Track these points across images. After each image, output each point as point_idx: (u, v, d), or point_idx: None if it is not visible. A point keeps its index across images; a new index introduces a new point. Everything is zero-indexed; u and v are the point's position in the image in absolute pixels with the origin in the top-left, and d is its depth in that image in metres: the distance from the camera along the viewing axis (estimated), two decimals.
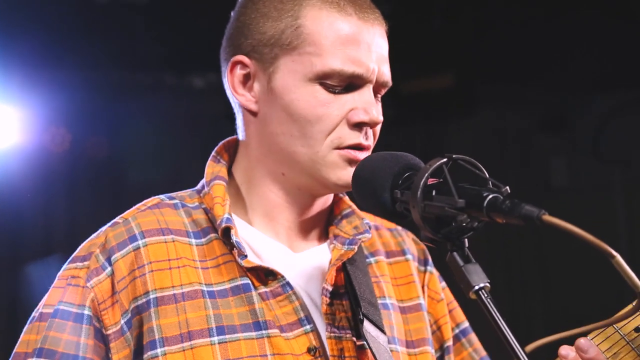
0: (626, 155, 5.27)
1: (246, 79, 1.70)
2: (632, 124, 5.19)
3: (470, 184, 1.43)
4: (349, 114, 1.66)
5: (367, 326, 1.67)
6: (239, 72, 1.70)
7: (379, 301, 1.75)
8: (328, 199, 1.76)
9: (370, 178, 1.56)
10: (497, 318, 1.38)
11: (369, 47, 1.67)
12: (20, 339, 1.65)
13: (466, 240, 1.44)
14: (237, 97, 1.71)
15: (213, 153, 1.78)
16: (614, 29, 4.68)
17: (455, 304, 1.93)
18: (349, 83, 1.66)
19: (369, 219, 1.81)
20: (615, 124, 5.25)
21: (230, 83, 1.71)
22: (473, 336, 1.93)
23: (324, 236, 1.77)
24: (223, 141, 1.79)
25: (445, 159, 1.44)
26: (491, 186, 1.42)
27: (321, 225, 1.77)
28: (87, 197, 4.86)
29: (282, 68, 1.67)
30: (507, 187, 1.39)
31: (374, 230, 1.83)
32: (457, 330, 1.91)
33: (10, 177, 4.52)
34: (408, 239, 1.89)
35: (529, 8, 4.60)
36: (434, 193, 1.44)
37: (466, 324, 1.93)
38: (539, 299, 5.26)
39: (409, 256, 1.86)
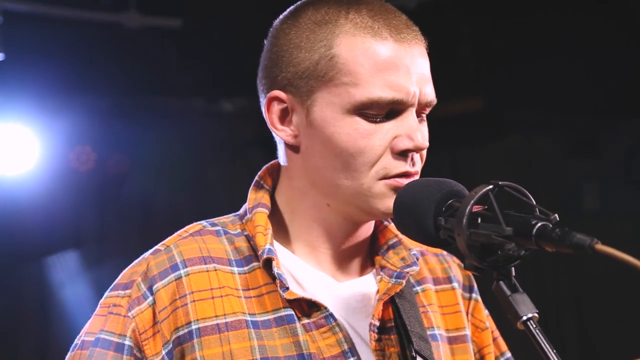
0: None
1: (285, 114, 1.64)
2: None
3: (515, 211, 1.40)
4: (392, 142, 1.59)
5: None
6: (277, 107, 1.64)
7: (428, 332, 1.70)
8: (371, 226, 1.71)
9: (412, 205, 1.52)
10: (546, 350, 1.34)
11: (408, 70, 1.59)
12: None
13: (513, 269, 1.40)
14: (278, 132, 1.65)
15: (256, 178, 1.72)
16: None
17: (497, 332, 1.87)
18: (390, 110, 1.59)
19: (414, 245, 1.75)
20: None
21: (269, 120, 1.65)
22: None
23: (369, 266, 1.72)
24: (266, 165, 1.73)
25: (491, 186, 1.41)
26: (539, 213, 1.38)
27: (364, 254, 1.72)
28: (113, 215, 4.87)
29: (319, 101, 1.60)
30: (556, 215, 1.35)
31: (419, 257, 1.76)
32: (501, 359, 1.86)
33: (38, 197, 4.54)
34: (454, 265, 1.84)
35: (559, 33, 4.57)
36: (479, 221, 1.40)
37: (509, 354, 1.87)
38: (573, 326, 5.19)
39: (455, 284, 1.81)
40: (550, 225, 1.32)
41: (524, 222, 1.34)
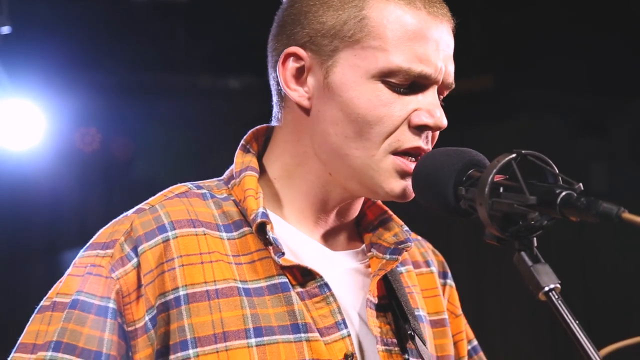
0: None
1: (299, 73, 1.56)
2: None
3: (538, 180, 1.38)
4: (411, 115, 1.53)
5: (418, 342, 1.59)
6: (292, 64, 1.56)
7: (415, 313, 1.66)
8: (359, 201, 1.65)
9: (433, 174, 1.49)
10: (569, 320, 1.31)
11: (437, 45, 1.53)
12: (26, 329, 1.50)
13: (535, 239, 1.38)
14: (289, 92, 1.56)
15: (242, 142, 1.64)
16: None
17: (465, 319, 1.83)
18: (414, 82, 1.53)
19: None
20: None
21: (283, 76, 1.57)
22: (482, 355, 1.84)
23: (357, 241, 1.66)
24: (252, 130, 1.66)
25: (514, 155, 1.38)
26: (562, 182, 1.36)
27: (352, 229, 1.66)
28: (119, 195, 4.86)
29: (341, 62, 1.53)
30: (580, 184, 1.33)
31: (411, 233, 1.71)
32: (469, 347, 1.82)
33: (42, 175, 4.53)
34: (430, 251, 1.79)
35: (569, 13, 4.54)
36: (501, 190, 1.38)
37: (475, 341, 1.84)
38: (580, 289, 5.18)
39: (432, 268, 1.76)
40: (575, 194, 1.30)
41: (548, 191, 1.32)
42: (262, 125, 1.66)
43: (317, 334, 1.51)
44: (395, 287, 1.62)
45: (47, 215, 4.72)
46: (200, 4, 4.41)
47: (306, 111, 1.57)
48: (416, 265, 1.75)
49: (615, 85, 5.01)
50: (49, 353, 1.46)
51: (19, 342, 1.49)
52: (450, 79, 1.58)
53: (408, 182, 1.56)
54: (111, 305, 1.47)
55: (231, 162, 1.63)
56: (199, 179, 5.46)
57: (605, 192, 5.13)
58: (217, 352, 1.46)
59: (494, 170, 1.37)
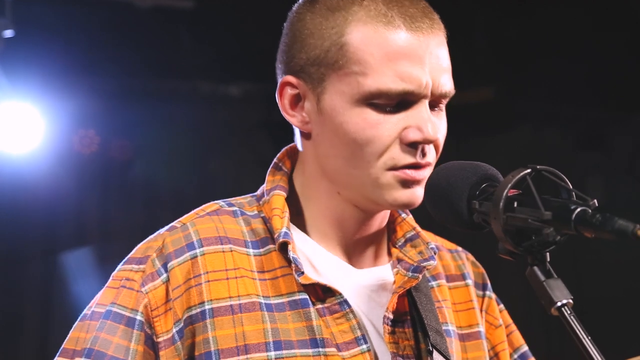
0: None
1: (297, 100, 1.62)
2: None
3: (552, 196, 1.38)
4: (402, 133, 1.56)
5: (437, 358, 1.61)
6: (289, 92, 1.62)
7: (443, 327, 1.68)
8: (384, 217, 1.69)
9: (446, 187, 1.50)
10: (581, 336, 1.32)
11: (422, 60, 1.54)
12: (69, 335, 1.61)
13: (548, 254, 1.38)
14: (289, 118, 1.64)
15: (275, 160, 1.70)
16: None
17: (513, 327, 1.85)
18: (401, 100, 1.55)
19: (431, 239, 1.74)
20: None
21: (281, 105, 1.64)
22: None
23: (385, 257, 1.71)
24: (286, 147, 1.72)
25: (529, 170, 1.39)
26: (576, 198, 1.37)
27: (381, 245, 1.70)
28: (117, 199, 4.86)
29: (329, 89, 1.58)
30: (595, 200, 1.34)
31: (437, 251, 1.74)
32: (515, 356, 1.84)
33: (41, 177, 4.53)
34: (468, 262, 1.82)
35: (571, 26, 4.56)
36: (515, 204, 1.39)
37: (525, 347, 1.85)
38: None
39: (469, 281, 1.79)
40: (590, 211, 1.30)
41: (562, 207, 1.33)
42: (294, 144, 1.71)
43: (334, 349, 1.57)
44: (419, 303, 1.65)
45: (44, 218, 4.71)
46: (204, 11, 4.41)
47: (307, 135, 1.64)
48: (450, 278, 1.78)
49: (616, 98, 5.03)
50: (81, 359, 1.57)
51: (62, 346, 1.61)
52: (444, 89, 1.58)
53: (413, 189, 1.59)
54: (139, 317, 1.57)
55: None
56: (198, 184, 5.45)
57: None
58: None
59: (509, 185, 1.38)
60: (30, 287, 4.72)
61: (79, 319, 1.62)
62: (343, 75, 1.56)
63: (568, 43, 4.62)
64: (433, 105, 1.59)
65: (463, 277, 1.79)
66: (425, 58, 1.56)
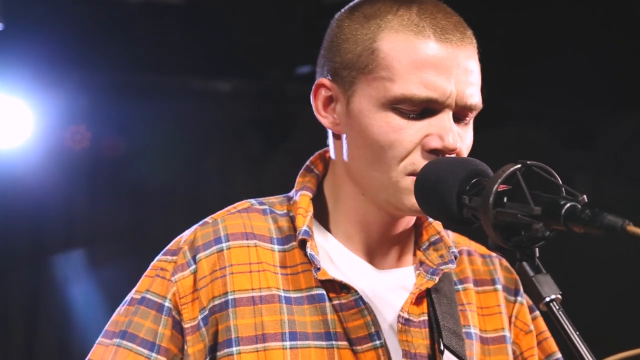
0: None
1: (329, 101, 1.71)
2: None
3: (542, 191, 1.39)
4: (423, 140, 1.62)
5: (448, 356, 1.66)
6: (323, 94, 1.71)
7: (464, 330, 1.73)
8: (410, 220, 1.75)
9: (436, 182, 1.52)
10: (569, 331, 1.33)
11: (448, 70, 1.61)
12: (112, 318, 1.75)
13: (537, 249, 1.39)
14: (321, 119, 1.73)
15: (307, 162, 1.79)
16: None
17: (547, 334, 1.88)
18: (425, 108, 1.62)
19: (464, 244, 1.83)
20: None
21: (315, 105, 1.73)
22: None
23: (410, 258, 1.77)
24: (319, 151, 1.81)
25: (519, 165, 1.40)
26: (565, 194, 1.37)
27: (405, 248, 1.77)
28: (108, 194, 4.85)
29: (358, 92, 1.66)
30: (585, 196, 1.34)
31: (465, 256, 1.82)
32: None
33: (30, 172, 4.52)
34: (500, 268, 1.86)
35: (559, 25, 4.57)
36: (505, 200, 1.39)
37: (558, 355, 1.88)
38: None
39: (498, 286, 1.83)
40: (580, 206, 1.31)
41: (552, 202, 1.33)
42: (327, 148, 1.79)
43: (346, 343, 1.66)
44: (437, 304, 1.70)
45: (32, 212, 4.69)
46: (194, 7, 4.40)
47: (338, 137, 1.73)
48: (479, 283, 1.83)
49: (603, 98, 5.04)
50: (117, 340, 1.70)
51: (105, 328, 1.74)
52: (469, 101, 1.64)
53: None
54: (167, 304, 1.69)
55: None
56: (188, 180, 5.43)
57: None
58: (257, 351, 1.65)
59: (499, 180, 1.39)
60: (17, 283, 4.70)
61: (121, 304, 1.75)
62: (372, 79, 1.64)
63: (556, 43, 4.63)
64: (459, 118, 1.65)
65: (493, 282, 1.84)
66: (452, 69, 1.62)
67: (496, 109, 4.88)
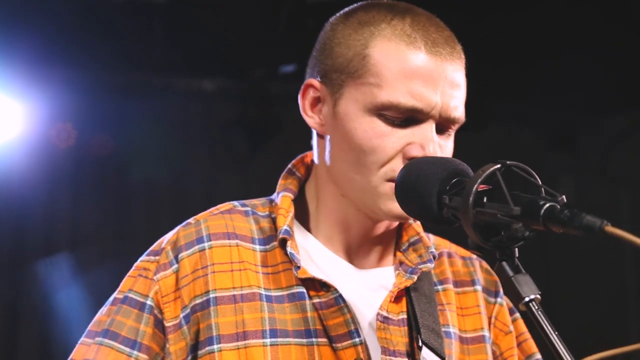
0: (634, 175, 5.26)
1: (317, 102, 1.74)
2: None
3: (521, 192, 1.39)
4: (405, 148, 1.65)
5: (426, 353, 1.68)
6: (311, 95, 1.75)
7: (443, 329, 1.75)
8: (392, 223, 1.77)
9: (416, 182, 1.53)
10: (548, 331, 1.33)
11: (435, 82, 1.64)
12: (95, 318, 1.76)
13: (516, 249, 1.39)
14: (308, 119, 1.76)
15: (289, 165, 1.83)
16: (627, 49, 4.67)
17: (526, 335, 1.90)
18: (409, 117, 1.65)
19: (445, 246, 1.85)
20: (625, 144, 5.23)
21: (302, 104, 1.76)
22: None
23: (391, 259, 1.80)
24: (301, 155, 1.84)
25: (498, 165, 1.40)
26: (545, 194, 1.37)
27: (387, 248, 1.79)
28: (92, 193, 4.84)
29: (346, 95, 1.69)
30: (564, 196, 1.35)
31: (445, 258, 1.85)
32: None
33: (15, 170, 4.49)
34: (480, 270, 1.88)
35: (543, 27, 4.59)
36: (485, 200, 1.39)
37: (537, 356, 1.89)
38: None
39: (478, 287, 1.85)
40: (559, 206, 1.31)
41: (531, 202, 1.33)
42: (310, 152, 1.82)
43: (326, 340, 1.68)
44: (416, 303, 1.73)
45: (15, 211, 4.66)
46: (178, 5, 4.39)
47: (322, 138, 1.76)
48: (459, 284, 1.85)
49: (587, 100, 5.06)
50: (99, 339, 1.72)
51: (88, 329, 1.76)
52: (453, 113, 1.67)
53: None
54: (149, 302, 1.71)
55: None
56: (172, 179, 5.40)
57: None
58: (238, 348, 1.67)
59: (479, 180, 1.39)
60: None
61: (104, 305, 1.77)
62: (360, 84, 1.67)
63: (541, 45, 4.64)
64: (442, 129, 1.69)
65: (472, 283, 1.86)
66: (440, 81, 1.65)
67: (481, 110, 4.89)
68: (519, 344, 1.88)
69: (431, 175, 1.51)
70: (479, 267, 1.88)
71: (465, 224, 1.40)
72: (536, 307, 1.35)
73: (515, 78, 4.87)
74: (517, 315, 1.89)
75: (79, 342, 1.75)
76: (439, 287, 1.82)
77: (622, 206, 5.32)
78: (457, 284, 1.84)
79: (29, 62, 4.28)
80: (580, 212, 1.28)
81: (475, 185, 1.39)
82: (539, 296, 1.36)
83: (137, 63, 4.64)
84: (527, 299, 1.35)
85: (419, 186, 1.52)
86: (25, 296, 4.60)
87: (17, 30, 4.13)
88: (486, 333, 1.82)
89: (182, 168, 4.94)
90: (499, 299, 1.86)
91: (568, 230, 1.29)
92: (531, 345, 1.89)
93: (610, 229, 1.24)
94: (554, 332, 1.33)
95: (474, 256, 1.89)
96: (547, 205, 1.32)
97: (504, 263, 1.39)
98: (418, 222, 1.81)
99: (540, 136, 5.33)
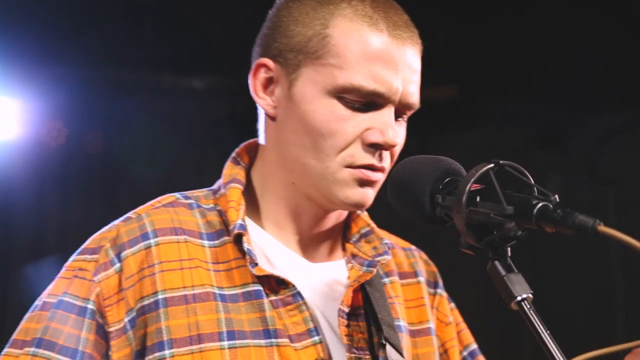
0: (621, 174, 5.28)
1: (268, 83, 1.66)
2: (628, 143, 5.19)
3: (514, 191, 1.40)
4: (364, 133, 1.60)
5: (389, 351, 1.64)
6: (262, 75, 1.66)
7: (395, 322, 1.71)
8: (342, 213, 1.72)
9: (409, 181, 1.52)
10: (540, 330, 1.34)
11: (396, 66, 1.60)
12: (20, 326, 1.60)
13: (509, 249, 1.40)
14: (258, 100, 1.67)
15: (233, 154, 1.73)
16: (615, 47, 4.69)
17: (463, 325, 1.89)
18: (370, 101, 1.60)
19: (386, 237, 1.78)
20: (611, 143, 5.24)
21: (253, 85, 1.67)
22: (481, 358, 1.90)
23: (339, 252, 1.74)
24: (244, 143, 1.74)
25: (492, 165, 1.41)
26: (537, 194, 1.38)
27: (336, 240, 1.74)
28: (80, 192, 4.82)
29: (303, 76, 1.61)
30: (556, 196, 1.36)
31: (391, 247, 1.78)
32: (465, 353, 1.88)
33: (3, 168, 4.48)
34: (421, 261, 1.86)
35: (533, 27, 4.60)
36: (478, 199, 1.40)
37: (474, 345, 1.89)
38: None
39: (421, 278, 1.83)
40: (551, 206, 1.32)
41: (524, 202, 1.34)
42: (254, 139, 1.73)
43: (286, 340, 1.59)
44: (372, 297, 1.67)
45: (2, 209, 4.65)
46: (168, 3, 4.39)
47: (273, 120, 1.66)
48: (403, 276, 1.81)
49: (576, 98, 5.07)
50: (32, 349, 1.56)
51: (12, 338, 1.60)
52: (411, 99, 1.63)
53: (366, 190, 1.62)
54: (90, 306, 1.57)
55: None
56: (161, 176, 5.39)
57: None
58: (192, 353, 1.55)
59: (472, 179, 1.40)
60: None
61: (29, 311, 1.61)
62: (320, 65, 1.60)
63: (530, 45, 4.66)
64: (398, 115, 1.64)
65: (415, 274, 1.83)
66: (400, 65, 1.61)
67: (469, 109, 4.90)
68: (457, 333, 1.86)
69: (424, 174, 1.51)
70: (419, 258, 1.85)
71: (458, 223, 1.41)
72: (528, 307, 1.36)
73: (503, 77, 4.88)
74: (453, 305, 1.88)
75: (2, 353, 1.59)
76: (386, 280, 1.77)
77: (608, 205, 5.33)
78: (401, 275, 1.80)
79: (17, 60, 4.26)
80: (573, 211, 1.29)
81: (469, 185, 1.40)
82: (531, 295, 1.37)
83: (127, 61, 4.63)
84: (519, 298, 1.36)
85: (412, 185, 1.51)
86: (11, 297, 4.58)
87: (6, 28, 4.11)
88: (431, 325, 1.80)
89: (171, 166, 4.94)
90: (438, 290, 1.84)
91: (561, 230, 1.30)
92: (467, 335, 1.89)
93: (602, 228, 1.25)
94: (546, 331, 1.34)
95: (413, 247, 1.86)
96: (540, 204, 1.33)
97: (497, 262, 1.39)
98: (366, 213, 1.76)
99: (528, 135, 5.34)
